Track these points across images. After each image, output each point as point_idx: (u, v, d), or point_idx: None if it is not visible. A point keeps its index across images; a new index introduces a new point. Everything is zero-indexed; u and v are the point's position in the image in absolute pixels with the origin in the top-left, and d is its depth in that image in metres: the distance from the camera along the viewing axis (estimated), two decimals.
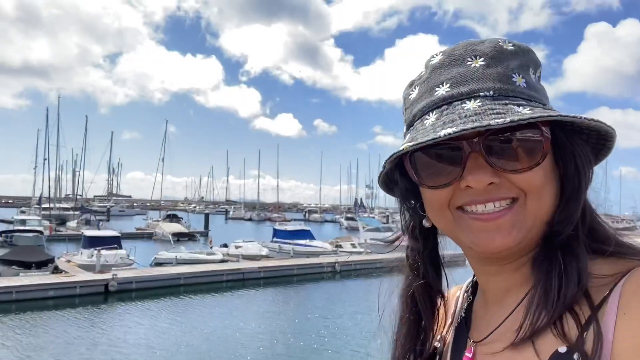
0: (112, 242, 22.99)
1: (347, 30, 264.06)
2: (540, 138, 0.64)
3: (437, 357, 0.82)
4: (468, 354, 0.75)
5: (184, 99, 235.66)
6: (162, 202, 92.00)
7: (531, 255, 0.69)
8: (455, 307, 0.85)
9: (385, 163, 0.73)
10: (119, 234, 25.03)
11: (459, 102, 0.67)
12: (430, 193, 0.70)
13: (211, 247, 28.71)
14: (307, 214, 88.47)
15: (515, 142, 0.64)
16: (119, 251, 22.18)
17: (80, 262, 21.85)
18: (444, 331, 0.84)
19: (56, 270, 20.14)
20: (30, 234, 32.49)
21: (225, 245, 28.95)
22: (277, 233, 31.40)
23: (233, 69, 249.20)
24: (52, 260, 20.72)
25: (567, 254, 0.65)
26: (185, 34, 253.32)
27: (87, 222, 44.29)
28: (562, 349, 0.60)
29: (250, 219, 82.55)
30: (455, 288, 0.89)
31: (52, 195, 62.57)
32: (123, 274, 19.44)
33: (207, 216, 48.83)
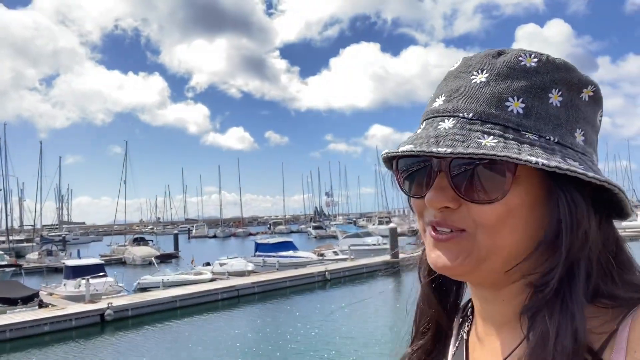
0: (97, 270, 22.04)
1: (291, 41, 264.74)
2: (504, 174, 0.58)
3: None
4: None
5: (129, 119, 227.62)
6: (115, 226, 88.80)
7: (514, 289, 0.63)
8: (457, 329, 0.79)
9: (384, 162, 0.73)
10: (102, 261, 24.11)
11: (440, 119, 0.63)
12: (412, 199, 0.68)
13: (194, 267, 28.14)
14: (271, 226, 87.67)
15: (483, 171, 0.58)
16: (107, 279, 21.29)
17: (66, 293, 20.88)
18: (447, 354, 0.78)
19: (42, 304, 19.19)
20: None
21: (208, 264, 28.45)
22: (259, 247, 31.09)
23: (178, 86, 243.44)
24: (37, 295, 19.67)
25: (560, 306, 0.56)
26: (125, 52, 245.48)
27: (49, 253, 41.77)
28: None
29: (214, 236, 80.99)
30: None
31: (6, 227, 59.59)
32: (118, 301, 18.72)
33: (176, 236, 47.73)
